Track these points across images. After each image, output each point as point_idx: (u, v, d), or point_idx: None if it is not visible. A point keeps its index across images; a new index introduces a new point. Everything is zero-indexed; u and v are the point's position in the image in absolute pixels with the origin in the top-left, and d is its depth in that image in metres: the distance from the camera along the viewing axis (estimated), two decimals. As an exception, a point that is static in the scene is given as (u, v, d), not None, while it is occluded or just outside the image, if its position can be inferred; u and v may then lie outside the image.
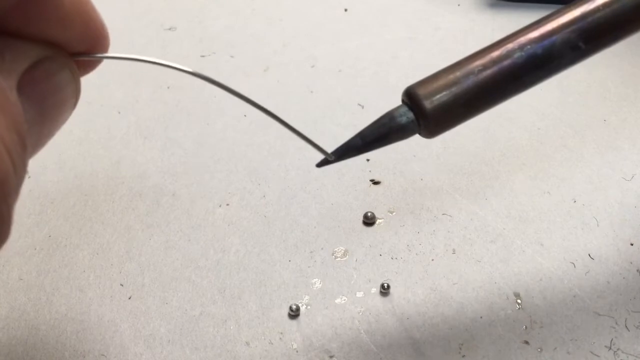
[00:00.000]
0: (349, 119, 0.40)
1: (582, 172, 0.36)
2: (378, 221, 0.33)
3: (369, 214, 0.33)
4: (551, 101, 0.41)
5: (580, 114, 0.40)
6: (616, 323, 0.28)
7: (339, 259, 0.31)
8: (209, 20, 0.50)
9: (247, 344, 0.28)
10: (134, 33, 0.48)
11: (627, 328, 0.28)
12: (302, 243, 0.32)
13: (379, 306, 0.29)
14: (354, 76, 0.44)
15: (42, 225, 0.33)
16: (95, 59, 0.19)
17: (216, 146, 0.38)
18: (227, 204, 0.34)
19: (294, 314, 0.29)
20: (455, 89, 0.20)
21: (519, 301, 0.29)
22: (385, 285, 0.29)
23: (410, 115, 0.21)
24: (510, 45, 0.21)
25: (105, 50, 0.19)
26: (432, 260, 0.31)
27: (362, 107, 0.41)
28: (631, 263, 0.31)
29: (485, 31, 0.48)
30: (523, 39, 0.21)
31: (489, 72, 0.20)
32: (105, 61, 0.20)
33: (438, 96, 0.20)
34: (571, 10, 0.21)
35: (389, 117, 0.21)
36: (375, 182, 0.35)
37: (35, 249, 0.32)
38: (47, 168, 0.36)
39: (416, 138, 0.22)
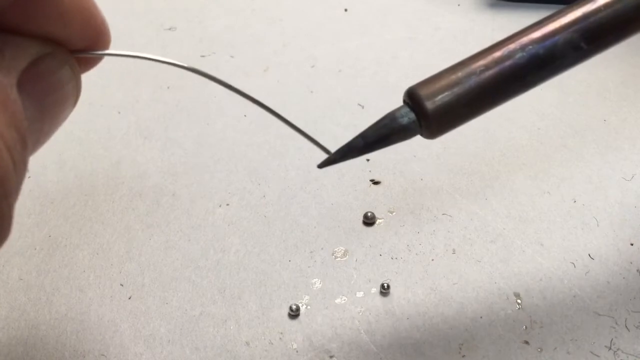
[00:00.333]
0: (349, 119, 0.40)
1: (582, 172, 0.36)
2: (378, 221, 0.33)
3: (369, 214, 0.33)
4: (551, 101, 0.41)
5: (580, 114, 0.40)
6: (616, 323, 0.28)
7: (339, 259, 0.31)
8: (209, 20, 0.50)
9: (247, 344, 0.28)
10: (134, 33, 0.48)
11: (627, 328, 0.28)
12: (302, 243, 0.32)
13: (379, 306, 0.29)
14: (354, 76, 0.44)
15: (42, 225, 0.33)
16: (96, 56, 0.19)
17: (216, 146, 0.38)
18: (227, 204, 0.34)
19: (294, 314, 0.29)
20: (457, 90, 0.20)
21: (519, 301, 0.29)
22: (385, 285, 0.29)
23: (412, 115, 0.21)
24: (512, 46, 0.21)
25: (106, 48, 0.19)
26: (432, 260, 0.31)
27: (362, 107, 0.41)
28: (631, 263, 0.31)
29: (485, 31, 0.48)
30: (525, 39, 0.21)
31: (490, 72, 0.20)
32: (105, 61, 0.20)
33: (440, 97, 0.20)
34: (573, 10, 0.21)
35: (390, 117, 0.21)
36: (375, 182, 0.35)
37: (35, 249, 0.32)
38: (47, 168, 0.36)
39: (417, 138, 0.22)
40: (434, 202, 0.34)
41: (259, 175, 0.36)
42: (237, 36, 0.48)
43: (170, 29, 0.49)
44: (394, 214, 0.34)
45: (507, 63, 0.20)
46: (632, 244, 0.32)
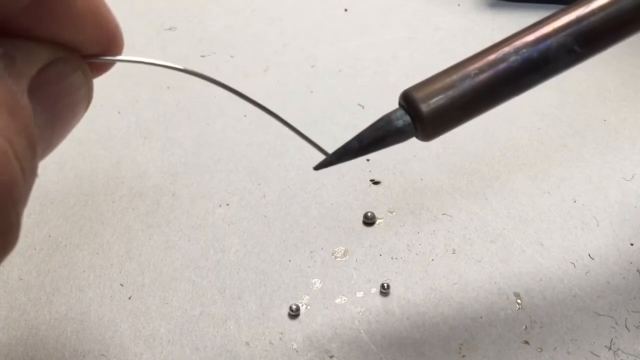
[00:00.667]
0: (349, 119, 0.40)
1: (582, 172, 0.36)
2: (378, 221, 0.33)
3: (369, 214, 0.33)
4: (551, 101, 0.41)
5: (580, 114, 0.40)
6: (616, 323, 0.28)
7: (339, 259, 0.31)
8: (209, 20, 0.50)
9: (247, 344, 0.28)
10: (134, 33, 0.48)
11: (627, 328, 0.28)
12: (302, 243, 0.32)
13: (379, 306, 0.29)
14: (354, 76, 0.44)
15: (42, 225, 0.33)
16: (108, 62, 0.19)
17: (216, 146, 0.38)
18: (227, 204, 0.34)
19: (294, 314, 0.29)
20: (451, 93, 0.21)
21: (519, 301, 0.29)
22: (385, 285, 0.29)
23: (407, 118, 0.21)
24: (506, 49, 0.21)
25: (119, 53, 0.19)
26: (432, 260, 0.31)
27: (362, 107, 0.41)
28: (631, 263, 0.31)
29: (485, 31, 0.48)
30: (519, 43, 0.21)
31: (485, 75, 0.21)
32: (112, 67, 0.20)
33: (434, 99, 0.20)
34: (567, 13, 0.21)
35: (385, 120, 0.21)
36: (375, 182, 0.35)
37: (35, 249, 0.32)
38: (47, 168, 0.36)
39: (416, 139, 0.22)
40: (434, 202, 0.34)
41: (259, 175, 0.36)
42: (237, 36, 0.48)
43: (170, 29, 0.49)
44: (394, 214, 0.34)
45: (501, 66, 0.21)
46: (632, 244, 0.32)
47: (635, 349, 0.27)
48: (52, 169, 0.36)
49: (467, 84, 0.21)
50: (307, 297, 0.30)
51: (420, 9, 0.51)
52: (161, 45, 0.47)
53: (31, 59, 0.16)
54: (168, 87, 0.42)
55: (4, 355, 0.27)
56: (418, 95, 0.21)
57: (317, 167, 0.22)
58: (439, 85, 0.21)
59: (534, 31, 0.21)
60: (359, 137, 0.21)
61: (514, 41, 0.21)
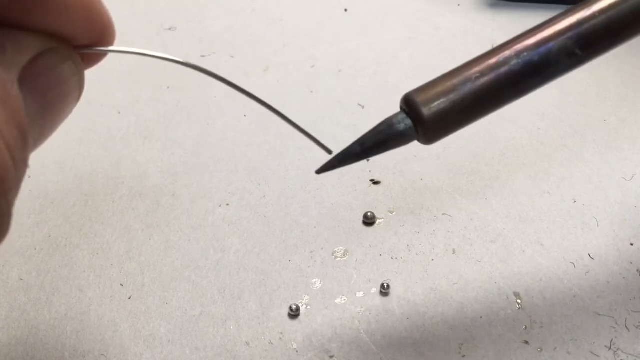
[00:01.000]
0: (349, 119, 0.40)
1: (582, 172, 0.36)
2: (378, 221, 0.33)
3: (369, 214, 0.33)
4: (551, 101, 0.41)
5: (580, 114, 0.40)
6: (616, 323, 0.28)
7: (339, 259, 0.31)
8: (209, 20, 0.50)
9: (247, 344, 0.28)
10: (134, 33, 0.48)
11: (627, 328, 0.28)
12: (302, 243, 0.32)
13: (379, 306, 0.29)
14: (354, 76, 0.44)
15: (42, 225, 0.33)
16: (100, 52, 0.19)
17: (216, 146, 0.38)
18: (227, 204, 0.34)
19: (294, 314, 0.29)
20: (452, 96, 0.21)
21: (519, 301, 0.29)
22: (385, 285, 0.29)
23: (408, 122, 0.21)
24: (507, 52, 0.21)
25: (111, 44, 0.19)
26: (432, 260, 0.31)
27: (362, 107, 0.41)
28: (631, 263, 0.31)
29: (485, 31, 0.48)
30: (519, 46, 0.21)
31: (486, 79, 0.21)
32: (105, 60, 0.20)
33: (436, 103, 0.21)
34: (567, 17, 0.21)
35: (387, 124, 0.21)
36: (375, 182, 0.35)
37: (35, 249, 0.32)
38: (47, 168, 0.36)
39: (416, 139, 0.22)
40: (434, 202, 0.34)
41: (259, 175, 0.36)
42: (237, 36, 0.48)
43: (170, 29, 0.49)
44: (394, 214, 0.34)
45: (502, 70, 0.21)
46: (632, 244, 0.32)
47: (635, 349, 0.27)
48: (52, 169, 0.36)
49: (468, 88, 0.21)
50: (307, 297, 0.30)
51: (420, 9, 0.51)
52: (161, 45, 0.47)
53: (22, 49, 0.16)
54: (168, 87, 0.42)
55: (4, 355, 0.27)
56: (419, 99, 0.21)
57: (319, 171, 0.22)
58: (440, 88, 0.21)
59: (534, 34, 0.21)
60: (361, 141, 0.21)
61: (514, 44, 0.21)
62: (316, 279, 0.30)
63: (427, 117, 0.21)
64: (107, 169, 0.36)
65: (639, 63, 0.44)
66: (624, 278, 0.30)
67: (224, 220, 0.33)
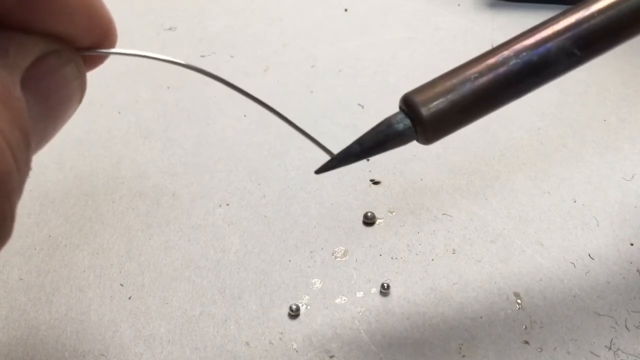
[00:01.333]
0: (349, 119, 0.40)
1: (582, 172, 0.36)
2: (378, 221, 0.33)
3: (369, 214, 0.33)
4: (551, 101, 0.41)
5: (580, 114, 0.40)
6: (616, 323, 0.28)
7: (339, 259, 0.31)
8: (209, 20, 0.50)
9: (247, 344, 0.28)
10: (134, 33, 0.48)
11: (627, 328, 0.28)
12: (302, 243, 0.32)
13: (379, 306, 0.29)
14: (354, 76, 0.44)
15: (42, 225, 0.33)
16: (102, 55, 0.19)
17: (216, 146, 0.38)
18: (227, 204, 0.34)
19: (294, 314, 0.29)
20: (451, 96, 0.21)
21: (519, 301, 0.29)
22: (385, 285, 0.29)
23: (407, 122, 0.21)
24: (505, 53, 0.21)
25: (113, 46, 0.19)
26: (432, 260, 0.31)
27: (362, 107, 0.41)
28: (631, 263, 0.31)
29: (485, 31, 0.48)
30: (518, 46, 0.21)
31: (485, 79, 0.21)
32: (106, 61, 0.20)
33: (435, 103, 0.21)
34: (566, 17, 0.21)
35: (386, 124, 0.21)
36: (375, 182, 0.35)
37: (35, 249, 0.32)
38: (47, 168, 0.36)
39: (416, 139, 0.22)
40: (434, 202, 0.34)
41: (259, 175, 0.36)
42: (237, 36, 0.48)
43: (170, 29, 0.49)
44: (394, 214, 0.34)
45: (501, 70, 0.21)
46: (632, 244, 0.32)
47: (635, 349, 0.27)
48: (52, 169, 0.36)
49: (467, 88, 0.21)
50: (307, 297, 0.30)
51: (420, 9, 0.51)
52: (161, 45, 0.47)
53: (24, 51, 0.16)
54: (168, 87, 0.42)
55: (4, 355, 0.27)
56: (418, 99, 0.21)
57: (318, 171, 0.22)
58: (439, 88, 0.21)
59: (533, 34, 0.21)
60: (360, 141, 0.21)
61: (513, 45, 0.21)
62: (316, 279, 0.30)
63: (426, 117, 0.21)
64: (107, 169, 0.36)
65: (639, 63, 0.44)
66: (624, 278, 0.30)
67: (224, 220, 0.33)
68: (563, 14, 0.21)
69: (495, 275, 0.30)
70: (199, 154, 0.37)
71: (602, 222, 0.33)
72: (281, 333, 0.28)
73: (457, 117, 0.21)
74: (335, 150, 0.22)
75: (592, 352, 0.27)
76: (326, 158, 0.22)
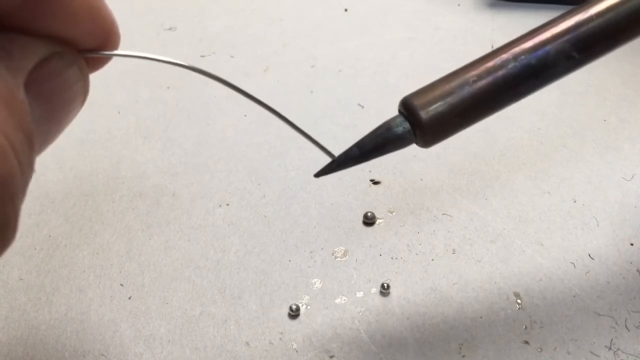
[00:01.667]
0: (349, 119, 0.40)
1: (582, 172, 0.36)
2: (378, 221, 0.33)
3: (369, 214, 0.33)
4: (551, 101, 0.41)
5: (580, 114, 0.40)
6: (616, 323, 0.28)
7: (339, 259, 0.31)
8: (209, 20, 0.50)
9: (247, 344, 0.28)
10: (134, 33, 0.48)
11: (627, 328, 0.28)
12: (302, 243, 0.32)
13: (379, 306, 0.29)
14: (354, 76, 0.44)
15: (42, 225, 0.33)
16: (105, 56, 0.19)
17: (216, 146, 0.38)
18: (227, 204, 0.34)
19: (294, 314, 0.29)
20: (450, 99, 0.21)
21: (519, 301, 0.29)
22: (385, 285, 0.29)
23: (407, 125, 0.21)
24: (504, 56, 0.21)
25: (115, 48, 0.19)
26: (432, 260, 0.31)
27: (362, 107, 0.41)
28: (631, 263, 0.31)
29: (485, 31, 0.48)
30: (517, 49, 0.21)
31: (483, 82, 0.21)
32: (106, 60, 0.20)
33: (434, 106, 0.21)
34: (565, 19, 0.21)
35: (385, 127, 0.21)
36: (375, 182, 0.35)
37: (35, 249, 0.32)
38: (47, 168, 0.36)
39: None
40: (434, 202, 0.34)
41: (259, 175, 0.36)
42: (237, 36, 0.48)
43: (170, 29, 0.49)
44: (394, 214, 0.34)
45: (500, 73, 0.21)
46: (632, 244, 0.32)
47: (635, 349, 0.27)
48: (52, 169, 0.36)
49: (466, 91, 0.21)
50: (307, 297, 0.30)
51: (420, 9, 0.51)
52: (161, 45, 0.47)
53: (28, 54, 0.16)
54: (168, 87, 0.42)
55: (4, 355, 0.27)
56: (417, 103, 0.21)
57: (318, 175, 0.22)
58: (437, 92, 0.21)
59: (532, 38, 0.21)
60: (359, 144, 0.21)
61: (512, 48, 0.21)
62: (316, 279, 0.30)
63: (425, 121, 0.21)
64: (107, 169, 0.36)
65: (639, 63, 0.44)
66: (624, 278, 0.30)
67: (224, 220, 0.33)
68: (561, 17, 0.21)
69: (495, 275, 0.30)
70: (199, 154, 0.37)
71: (602, 222, 0.33)
72: (281, 333, 0.28)
73: (456, 120, 0.21)
74: (335, 151, 0.22)
75: (592, 352, 0.27)
76: (326, 159, 0.22)
